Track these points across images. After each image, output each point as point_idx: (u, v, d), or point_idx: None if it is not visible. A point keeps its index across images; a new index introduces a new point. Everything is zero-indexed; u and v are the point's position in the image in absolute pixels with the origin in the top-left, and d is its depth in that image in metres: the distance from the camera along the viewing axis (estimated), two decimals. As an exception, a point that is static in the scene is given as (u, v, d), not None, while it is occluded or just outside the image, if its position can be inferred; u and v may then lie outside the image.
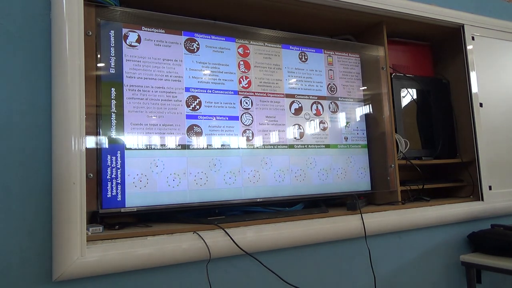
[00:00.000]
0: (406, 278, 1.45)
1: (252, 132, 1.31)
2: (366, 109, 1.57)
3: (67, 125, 0.95)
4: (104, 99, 1.10)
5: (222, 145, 1.25)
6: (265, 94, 1.36)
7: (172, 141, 1.18)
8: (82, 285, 0.96)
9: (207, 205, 1.21)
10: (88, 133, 1.03)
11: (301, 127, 1.41)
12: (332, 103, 1.50)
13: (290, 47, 1.44)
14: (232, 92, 1.30)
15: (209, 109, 1.25)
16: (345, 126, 1.51)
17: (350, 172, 1.48)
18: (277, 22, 1.50)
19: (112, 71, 1.13)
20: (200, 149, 1.22)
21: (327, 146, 1.45)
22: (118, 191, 1.09)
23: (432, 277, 1.51)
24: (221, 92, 1.28)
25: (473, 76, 1.68)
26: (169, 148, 1.17)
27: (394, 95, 1.58)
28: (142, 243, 1.01)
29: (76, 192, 0.94)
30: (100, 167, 1.07)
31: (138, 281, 1.02)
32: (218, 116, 1.27)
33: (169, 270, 1.05)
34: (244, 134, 1.30)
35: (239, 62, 1.33)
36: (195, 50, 1.26)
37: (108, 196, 1.07)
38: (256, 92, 1.35)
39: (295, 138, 1.39)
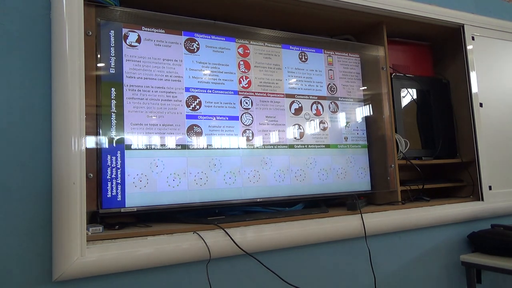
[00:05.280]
0: (406, 278, 1.45)
1: (252, 132, 1.31)
2: (366, 109, 1.57)
3: (67, 125, 0.95)
4: (104, 99, 1.10)
5: (222, 145, 1.25)
6: (265, 94, 1.36)
7: (172, 141, 1.18)
8: (82, 285, 0.96)
9: (207, 205, 1.21)
10: (88, 133, 1.03)
11: (301, 127, 1.41)
12: (332, 103, 1.50)
13: (290, 47, 1.44)
14: (232, 92, 1.30)
15: (209, 109, 1.25)
16: (345, 126, 1.51)
17: (350, 172, 1.48)
18: (277, 22, 1.50)
19: (112, 71, 1.13)
20: (200, 149, 1.22)
21: (327, 146, 1.45)
22: (118, 191, 1.09)
23: (432, 277, 1.51)
24: (221, 92, 1.28)
25: (473, 76, 1.68)
26: (169, 148, 1.17)
27: (394, 95, 1.58)
28: (142, 243, 1.01)
29: (76, 192, 0.94)
30: (100, 167, 1.07)
31: (138, 281, 1.02)
32: (218, 116, 1.27)
33: (169, 270, 1.05)
34: (244, 134, 1.30)
35: (239, 62, 1.33)
36: (195, 50, 1.27)
37: (108, 196, 1.07)
38: (256, 92, 1.35)
39: (295, 138, 1.39)
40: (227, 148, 1.26)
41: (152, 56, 1.19)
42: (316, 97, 1.47)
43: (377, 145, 1.55)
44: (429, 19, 1.61)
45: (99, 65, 1.11)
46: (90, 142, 1.06)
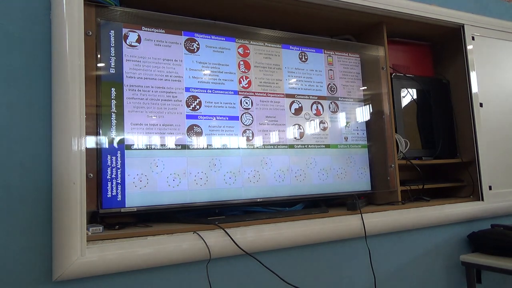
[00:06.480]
0: (406, 278, 1.45)
1: (252, 132, 1.31)
2: (366, 109, 1.57)
3: (67, 125, 0.95)
4: (104, 99, 1.10)
5: (222, 145, 1.25)
6: (265, 94, 1.36)
7: (172, 141, 1.18)
8: (82, 285, 0.96)
9: (207, 205, 1.21)
10: (88, 133, 1.03)
11: (301, 127, 1.41)
12: (332, 103, 1.50)
13: (290, 47, 1.44)
14: (232, 92, 1.30)
15: (209, 109, 1.25)
16: (345, 126, 1.51)
17: (350, 172, 1.48)
18: (277, 22, 1.50)
19: (112, 71, 1.13)
20: (200, 149, 1.22)
21: (327, 146, 1.45)
22: (118, 191, 1.09)
23: (432, 277, 1.51)
24: (221, 92, 1.28)
25: (473, 76, 1.68)
26: (169, 148, 1.17)
27: (394, 95, 1.58)
28: (142, 243, 1.01)
29: (76, 192, 0.94)
30: (100, 167, 1.07)
31: (138, 281, 1.02)
32: (218, 116, 1.27)
33: (169, 270, 1.05)
34: (244, 134, 1.30)
35: (239, 62, 1.33)
36: (195, 50, 1.27)
37: (108, 196, 1.07)
38: (256, 92, 1.35)
39: (295, 138, 1.39)
40: (227, 148, 1.26)
41: (152, 56, 1.19)
42: (316, 97, 1.47)
43: (377, 145, 1.55)
44: (429, 19, 1.61)
45: (99, 65, 1.11)
46: (90, 142, 1.06)
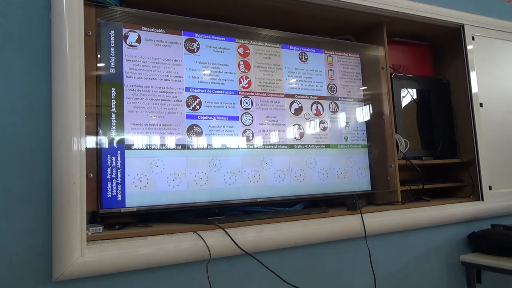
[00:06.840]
0: (406, 278, 1.45)
1: (252, 132, 1.31)
2: (366, 109, 1.57)
3: (67, 125, 0.95)
4: (104, 99, 1.10)
5: (222, 145, 1.25)
6: (265, 94, 1.36)
7: (172, 141, 1.18)
8: (82, 285, 0.96)
9: (207, 205, 1.21)
10: (88, 133, 1.03)
11: (301, 127, 1.41)
12: (332, 103, 1.50)
13: (290, 47, 1.44)
14: (232, 92, 1.30)
15: (209, 109, 1.25)
16: (345, 126, 1.51)
17: (350, 172, 1.48)
18: (277, 22, 1.50)
19: (112, 71, 1.13)
20: (200, 149, 1.22)
21: (327, 146, 1.45)
22: (118, 191, 1.09)
23: (432, 277, 1.51)
24: (221, 92, 1.28)
25: (473, 76, 1.68)
26: (169, 148, 1.17)
27: (394, 95, 1.58)
28: (142, 243, 1.01)
29: (76, 192, 0.94)
30: (100, 167, 1.07)
31: (138, 281, 1.02)
32: (218, 116, 1.27)
33: (169, 270, 1.05)
34: (244, 134, 1.30)
35: (239, 62, 1.33)
36: (195, 50, 1.27)
37: (108, 196, 1.07)
38: (256, 92, 1.35)
39: (295, 138, 1.39)
40: (227, 148, 1.26)
41: (152, 56, 1.19)
42: (316, 97, 1.47)
43: (377, 145, 1.55)
44: (429, 19, 1.61)
45: (99, 65, 1.11)
46: (90, 142, 1.06)
